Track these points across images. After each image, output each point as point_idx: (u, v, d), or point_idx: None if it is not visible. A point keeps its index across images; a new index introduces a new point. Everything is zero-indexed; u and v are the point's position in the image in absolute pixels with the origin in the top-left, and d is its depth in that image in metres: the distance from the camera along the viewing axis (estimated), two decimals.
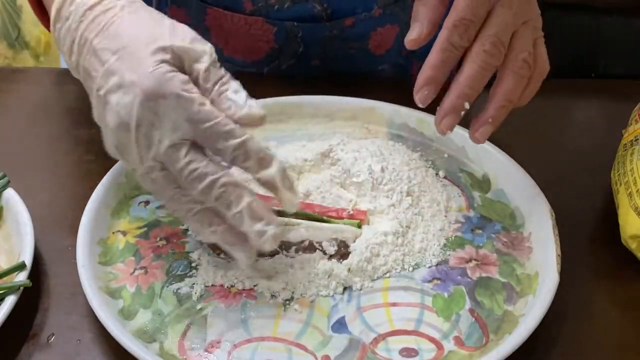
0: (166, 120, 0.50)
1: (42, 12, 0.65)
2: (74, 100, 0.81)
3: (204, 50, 0.52)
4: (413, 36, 0.57)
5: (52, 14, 0.55)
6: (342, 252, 0.58)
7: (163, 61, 0.51)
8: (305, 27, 0.80)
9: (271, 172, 0.52)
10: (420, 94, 0.55)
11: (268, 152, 0.52)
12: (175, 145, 0.50)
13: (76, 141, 0.74)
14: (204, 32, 0.83)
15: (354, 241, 0.59)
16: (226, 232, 0.53)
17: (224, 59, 0.84)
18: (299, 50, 0.82)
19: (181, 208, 0.53)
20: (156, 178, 0.52)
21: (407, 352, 0.53)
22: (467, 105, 0.55)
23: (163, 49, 0.51)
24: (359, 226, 0.60)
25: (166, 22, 0.54)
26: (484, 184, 0.67)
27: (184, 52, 0.52)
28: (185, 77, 0.51)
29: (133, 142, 0.51)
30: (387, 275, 0.59)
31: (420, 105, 0.56)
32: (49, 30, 0.61)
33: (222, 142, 0.51)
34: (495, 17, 0.54)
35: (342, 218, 0.60)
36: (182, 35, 0.52)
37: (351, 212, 0.61)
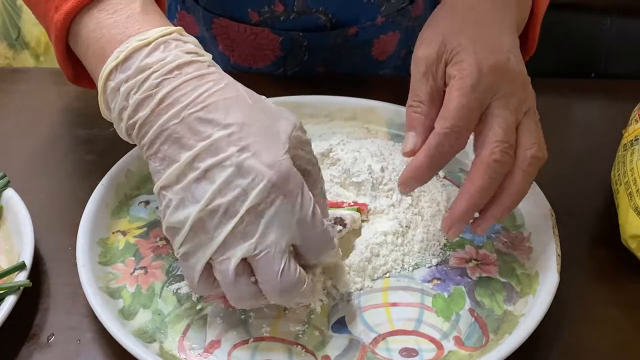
0: (277, 217, 0.47)
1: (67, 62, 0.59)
2: (74, 100, 0.81)
3: (308, 141, 0.51)
4: (408, 148, 0.55)
5: (111, 64, 0.50)
6: (338, 220, 0.58)
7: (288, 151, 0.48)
8: (310, 36, 0.81)
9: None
10: (403, 187, 0.55)
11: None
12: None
13: (76, 141, 0.74)
14: (211, 39, 0.83)
15: (353, 223, 0.59)
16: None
17: (230, 66, 0.84)
18: (304, 58, 0.83)
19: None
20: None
21: (407, 352, 0.53)
22: (476, 215, 0.55)
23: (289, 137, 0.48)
24: (359, 211, 0.60)
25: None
26: None
27: (298, 142, 0.50)
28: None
29: (225, 231, 0.47)
30: (387, 275, 0.59)
31: (402, 194, 0.58)
32: (70, 78, 0.59)
33: (321, 252, 0.50)
34: (496, 118, 0.52)
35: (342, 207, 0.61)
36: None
37: (351, 203, 0.61)
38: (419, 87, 0.56)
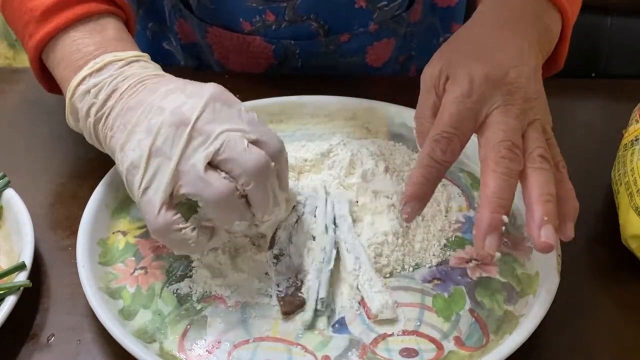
0: (227, 117, 0.53)
1: (44, 77, 0.66)
2: None
3: None
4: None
5: (80, 75, 0.58)
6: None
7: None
8: (302, 44, 0.81)
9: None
10: (405, 211, 0.52)
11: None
12: (231, 130, 0.53)
13: (76, 141, 0.74)
14: (207, 47, 0.84)
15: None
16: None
17: (226, 72, 0.85)
18: (298, 65, 0.83)
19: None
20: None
21: (407, 352, 0.53)
22: (505, 219, 0.50)
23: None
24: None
25: None
26: None
27: None
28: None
29: (184, 139, 0.52)
30: (388, 275, 0.59)
31: (405, 222, 0.56)
32: (46, 89, 0.66)
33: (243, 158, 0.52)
34: (497, 124, 0.52)
35: None
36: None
37: None
38: (423, 103, 0.56)
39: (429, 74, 0.56)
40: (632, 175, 0.62)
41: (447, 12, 0.89)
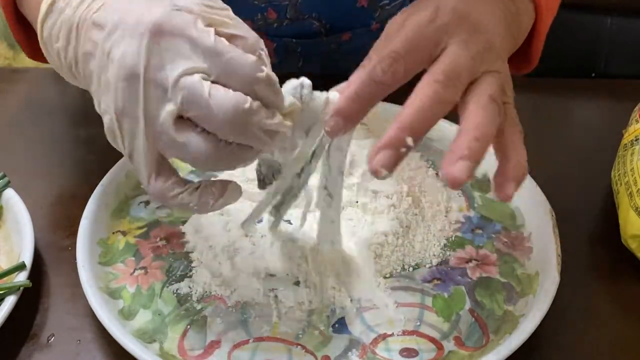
0: (178, 55, 0.44)
1: (19, 30, 0.60)
2: (74, 100, 0.81)
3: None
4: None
5: (43, 10, 0.50)
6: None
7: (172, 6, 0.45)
8: (303, 42, 0.81)
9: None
10: (328, 124, 0.48)
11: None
12: (187, 74, 0.44)
13: (76, 141, 0.74)
14: None
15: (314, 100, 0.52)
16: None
17: None
18: (299, 64, 0.83)
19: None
20: (169, 135, 0.45)
21: (407, 352, 0.53)
22: (410, 142, 0.45)
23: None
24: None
25: None
26: (484, 184, 0.67)
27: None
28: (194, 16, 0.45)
29: (141, 96, 0.44)
30: (388, 275, 0.59)
31: (327, 136, 0.49)
32: (23, 48, 0.60)
33: (247, 79, 0.44)
34: (448, 55, 0.47)
35: None
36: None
37: None
38: (376, 45, 0.51)
39: (391, 21, 0.51)
40: (632, 175, 0.62)
41: None
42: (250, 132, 0.45)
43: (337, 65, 0.84)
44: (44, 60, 0.55)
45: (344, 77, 0.85)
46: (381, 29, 0.85)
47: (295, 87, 0.50)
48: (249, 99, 0.44)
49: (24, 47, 0.62)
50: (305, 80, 0.50)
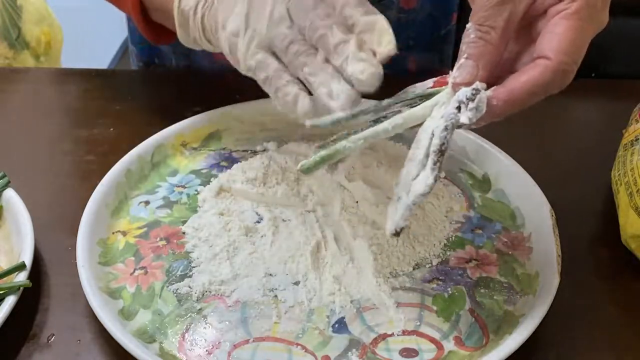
0: None
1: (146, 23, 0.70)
2: (74, 100, 0.81)
3: None
4: (465, 77, 0.48)
5: None
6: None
7: None
8: None
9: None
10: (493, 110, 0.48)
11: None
12: None
13: (76, 141, 0.74)
14: None
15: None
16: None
17: (215, 63, 0.84)
18: None
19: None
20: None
21: (407, 352, 0.53)
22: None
23: None
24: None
25: None
26: (484, 184, 0.67)
27: None
28: None
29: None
30: (388, 275, 0.59)
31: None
32: (151, 38, 0.71)
33: None
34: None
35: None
36: None
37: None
38: (493, 11, 0.48)
39: None
40: (632, 175, 0.62)
41: (448, 2, 0.88)
42: (322, 29, 0.52)
43: None
44: (169, 40, 0.70)
45: None
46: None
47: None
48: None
49: (148, 34, 0.72)
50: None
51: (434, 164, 0.46)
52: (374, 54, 0.51)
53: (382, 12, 0.84)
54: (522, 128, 0.73)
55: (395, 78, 0.86)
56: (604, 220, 0.66)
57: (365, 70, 0.50)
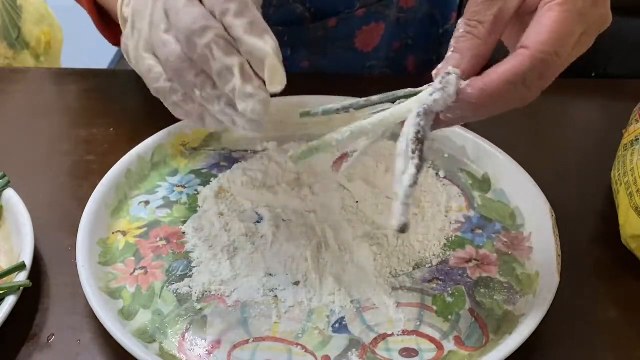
0: None
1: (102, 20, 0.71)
2: (74, 100, 0.81)
3: None
4: (449, 68, 0.47)
5: None
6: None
7: None
8: (290, 31, 0.80)
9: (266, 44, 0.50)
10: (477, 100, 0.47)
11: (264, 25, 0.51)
12: None
13: (76, 141, 0.74)
14: None
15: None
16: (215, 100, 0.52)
17: None
18: (287, 54, 0.83)
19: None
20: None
21: (407, 352, 0.53)
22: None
23: None
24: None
25: None
26: (484, 184, 0.67)
27: None
28: None
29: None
30: (388, 275, 0.59)
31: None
32: (110, 40, 0.71)
33: None
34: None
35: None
36: None
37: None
38: (483, 7, 0.48)
39: None
40: (632, 175, 0.62)
41: (448, 2, 0.88)
42: (207, 46, 0.49)
43: (324, 53, 0.83)
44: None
45: (344, 78, 0.85)
46: (367, 14, 0.85)
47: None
48: (212, 18, 0.49)
49: (107, 35, 0.73)
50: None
51: (413, 152, 0.46)
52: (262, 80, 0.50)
53: (381, 11, 0.84)
54: (522, 128, 0.73)
55: (395, 78, 0.88)
56: (604, 220, 0.66)
57: (255, 108, 0.50)
